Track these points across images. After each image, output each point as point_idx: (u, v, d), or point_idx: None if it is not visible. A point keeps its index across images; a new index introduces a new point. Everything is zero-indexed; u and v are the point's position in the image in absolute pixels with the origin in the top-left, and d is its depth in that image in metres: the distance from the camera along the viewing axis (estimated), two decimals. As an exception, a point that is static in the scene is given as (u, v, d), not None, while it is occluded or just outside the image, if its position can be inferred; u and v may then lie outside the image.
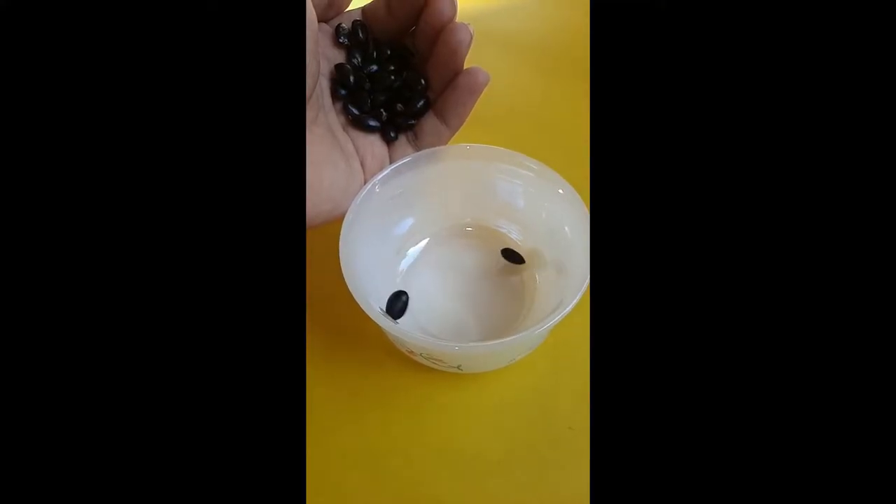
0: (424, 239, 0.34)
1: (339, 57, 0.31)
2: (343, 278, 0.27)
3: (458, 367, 0.28)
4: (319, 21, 0.30)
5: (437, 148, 0.32)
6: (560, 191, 0.30)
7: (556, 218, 0.31)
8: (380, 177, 0.30)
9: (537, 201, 0.32)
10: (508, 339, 0.26)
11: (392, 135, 0.31)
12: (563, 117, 0.43)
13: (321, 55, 0.30)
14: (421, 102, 0.31)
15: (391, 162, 0.31)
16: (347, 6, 0.31)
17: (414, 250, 0.34)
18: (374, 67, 0.31)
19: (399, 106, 0.31)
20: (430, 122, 0.31)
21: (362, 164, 0.30)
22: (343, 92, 0.30)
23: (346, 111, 0.30)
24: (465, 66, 0.30)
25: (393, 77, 0.31)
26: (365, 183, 0.30)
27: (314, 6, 0.28)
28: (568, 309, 0.25)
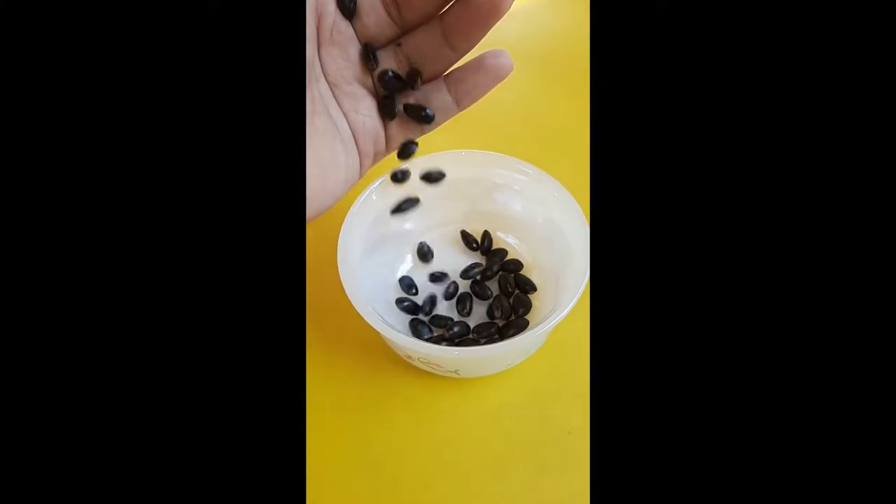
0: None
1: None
2: (341, 284, 0.27)
3: (456, 372, 0.28)
4: None
5: (434, 154, 0.32)
6: (556, 194, 0.30)
7: (552, 221, 0.31)
8: (376, 184, 0.31)
9: (534, 205, 0.32)
10: (506, 342, 0.26)
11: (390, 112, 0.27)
12: (561, 123, 0.44)
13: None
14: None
15: (386, 139, 0.28)
16: None
17: (411, 256, 0.34)
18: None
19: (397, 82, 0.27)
20: (439, 97, 0.28)
21: (356, 141, 0.27)
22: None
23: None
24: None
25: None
26: (361, 164, 0.28)
27: None
28: (565, 312, 0.25)
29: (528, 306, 0.31)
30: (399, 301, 0.31)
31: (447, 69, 0.27)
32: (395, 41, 0.27)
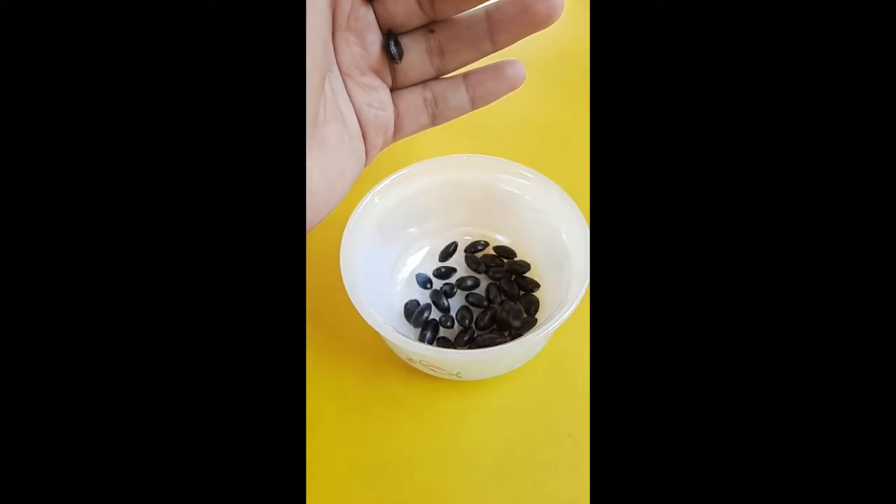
0: (424, 248, 0.34)
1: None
2: (343, 287, 0.27)
3: (458, 375, 0.29)
4: None
5: (434, 159, 0.32)
6: (556, 198, 0.31)
7: (552, 225, 0.31)
8: (379, 188, 0.31)
9: (534, 209, 0.32)
10: (506, 345, 0.26)
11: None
12: (561, 126, 0.44)
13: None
14: None
15: (395, 129, 0.28)
16: None
17: (413, 259, 0.34)
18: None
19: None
20: (457, 96, 0.28)
21: (365, 135, 0.27)
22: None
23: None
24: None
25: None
26: (367, 155, 0.27)
27: None
28: (566, 315, 0.26)
29: (537, 305, 0.31)
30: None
31: (477, 60, 0.27)
32: (425, 27, 0.26)
